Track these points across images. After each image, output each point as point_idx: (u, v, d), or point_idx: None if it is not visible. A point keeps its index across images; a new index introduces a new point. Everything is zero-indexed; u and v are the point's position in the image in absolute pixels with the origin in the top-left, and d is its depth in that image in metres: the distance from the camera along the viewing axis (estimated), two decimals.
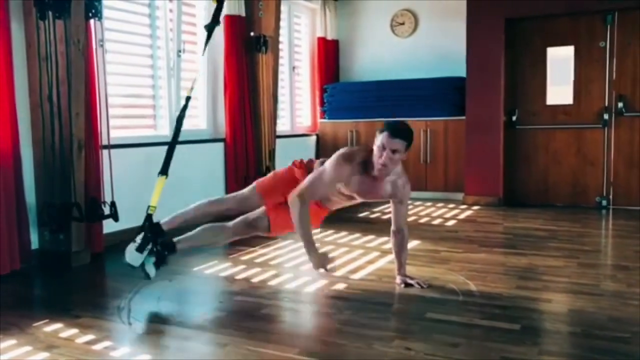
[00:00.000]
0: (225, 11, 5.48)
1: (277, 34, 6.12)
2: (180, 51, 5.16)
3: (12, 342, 2.49)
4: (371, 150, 3.02)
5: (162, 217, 4.74)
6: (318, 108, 7.37)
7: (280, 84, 6.48)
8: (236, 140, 5.58)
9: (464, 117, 6.33)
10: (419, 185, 6.73)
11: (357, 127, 7.01)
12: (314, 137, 7.31)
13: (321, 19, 7.24)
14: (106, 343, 2.49)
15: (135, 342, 2.53)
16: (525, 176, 6.29)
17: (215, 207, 3.49)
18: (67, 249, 3.83)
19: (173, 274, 3.59)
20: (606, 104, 5.90)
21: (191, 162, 5.24)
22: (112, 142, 4.16)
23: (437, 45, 6.93)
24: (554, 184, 6.17)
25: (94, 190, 4.01)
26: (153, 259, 3.20)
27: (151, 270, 3.19)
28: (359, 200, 3.26)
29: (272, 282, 3.37)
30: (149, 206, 3.21)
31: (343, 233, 4.62)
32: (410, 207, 6.06)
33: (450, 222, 5.28)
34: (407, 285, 3.20)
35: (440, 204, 6.25)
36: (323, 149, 7.21)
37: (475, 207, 6.04)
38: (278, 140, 6.19)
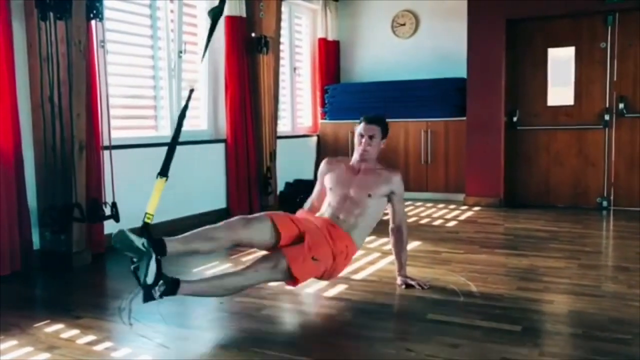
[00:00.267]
0: (226, 12, 5.48)
1: (278, 35, 6.13)
2: (181, 52, 5.16)
3: (13, 342, 2.49)
4: (349, 158, 3.34)
5: (140, 222, 4.73)
6: (319, 109, 7.37)
7: (281, 84, 6.49)
8: (237, 141, 5.58)
9: (464, 118, 6.33)
10: (419, 186, 6.74)
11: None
12: (314, 138, 7.31)
13: (322, 20, 7.24)
14: (107, 344, 2.49)
15: (135, 342, 2.53)
16: (526, 177, 6.28)
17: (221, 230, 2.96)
18: (68, 249, 3.83)
19: (174, 274, 3.59)
20: (607, 105, 5.90)
21: (192, 163, 5.24)
22: (113, 143, 4.16)
23: (438, 46, 6.93)
24: (554, 185, 6.17)
25: (95, 191, 4.01)
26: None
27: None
28: (352, 195, 3.16)
29: (273, 283, 3.36)
30: (145, 214, 2.66)
31: None
32: (410, 207, 6.07)
33: (451, 223, 5.28)
34: (408, 286, 3.20)
35: (441, 205, 6.25)
36: (324, 149, 7.21)
37: (476, 208, 6.04)
38: (279, 141, 6.20)
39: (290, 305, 3.01)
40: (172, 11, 5.11)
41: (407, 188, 6.66)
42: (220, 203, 5.60)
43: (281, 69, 6.44)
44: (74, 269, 3.79)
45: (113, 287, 3.57)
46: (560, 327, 2.66)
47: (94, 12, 3.91)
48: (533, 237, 4.61)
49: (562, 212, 5.79)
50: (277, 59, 6.12)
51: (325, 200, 3.28)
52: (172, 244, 2.69)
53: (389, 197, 3.23)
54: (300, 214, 3.26)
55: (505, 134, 6.15)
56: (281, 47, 6.40)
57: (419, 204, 6.35)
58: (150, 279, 2.49)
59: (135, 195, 4.54)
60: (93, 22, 3.96)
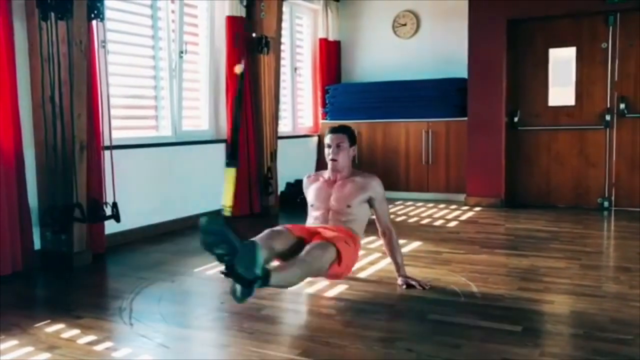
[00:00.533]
0: (226, 12, 5.49)
1: (279, 35, 6.13)
2: (182, 52, 5.17)
3: (14, 342, 2.49)
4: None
5: (146, 221, 4.73)
6: (320, 109, 7.37)
7: (282, 84, 6.49)
8: (238, 141, 5.57)
9: (465, 118, 6.33)
10: (420, 186, 6.74)
11: (359, 128, 6.99)
12: (315, 138, 7.31)
13: (323, 20, 7.24)
14: (107, 344, 2.49)
15: (136, 342, 2.53)
16: (527, 177, 6.28)
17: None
18: (69, 249, 3.84)
19: (175, 274, 3.60)
20: (608, 105, 5.89)
21: (193, 163, 5.25)
22: (114, 143, 4.17)
23: (439, 46, 6.93)
24: (555, 185, 6.16)
25: (95, 191, 4.01)
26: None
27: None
28: (332, 208, 3.27)
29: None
30: (222, 207, 2.46)
31: None
32: (411, 208, 6.07)
33: (452, 224, 5.28)
34: (409, 286, 3.20)
35: (441, 205, 6.25)
36: (324, 149, 7.19)
37: (477, 208, 6.03)
38: (280, 141, 6.20)
39: (290, 306, 3.01)
40: (173, 11, 5.11)
41: (408, 188, 6.75)
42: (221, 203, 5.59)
43: (282, 69, 6.44)
44: (74, 269, 3.79)
45: (113, 287, 3.57)
46: (561, 327, 2.66)
47: (95, 12, 3.91)
48: (534, 237, 4.60)
49: (563, 212, 5.78)
50: (278, 59, 6.12)
51: (309, 217, 3.37)
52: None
53: (370, 203, 3.28)
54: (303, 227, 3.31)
55: (506, 134, 6.15)
56: (282, 47, 6.40)
57: (419, 204, 6.35)
58: (259, 271, 2.46)
59: (136, 196, 4.56)
60: (94, 22, 3.97)
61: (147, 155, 4.74)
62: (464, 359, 2.28)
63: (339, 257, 2.98)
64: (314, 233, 3.14)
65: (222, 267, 2.45)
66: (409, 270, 3.34)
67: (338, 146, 3.29)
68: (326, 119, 7.25)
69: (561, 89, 6.12)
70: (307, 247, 2.94)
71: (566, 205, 6.08)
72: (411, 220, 5.43)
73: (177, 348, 2.48)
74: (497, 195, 6.17)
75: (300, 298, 3.12)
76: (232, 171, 2.50)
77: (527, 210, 5.93)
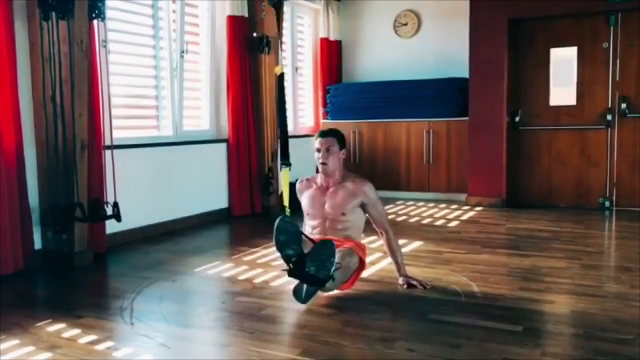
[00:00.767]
0: (227, 11, 5.49)
1: (280, 35, 6.12)
2: (183, 52, 5.17)
3: (15, 341, 2.50)
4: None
5: (147, 221, 4.72)
6: (321, 109, 7.37)
7: None
8: (239, 141, 5.58)
9: (466, 118, 6.33)
10: (421, 186, 6.74)
11: (360, 127, 7.01)
12: None
13: (324, 20, 7.24)
14: (108, 343, 2.49)
15: (137, 342, 2.53)
16: (528, 177, 6.28)
17: None
18: (70, 249, 3.84)
19: (176, 274, 3.60)
20: (609, 105, 5.89)
21: (194, 163, 5.25)
22: (115, 143, 4.17)
23: (440, 46, 6.92)
24: (557, 185, 6.16)
25: (96, 191, 4.01)
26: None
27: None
28: (327, 217, 3.25)
29: (274, 283, 3.37)
30: (283, 207, 2.78)
31: None
32: (412, 207, 6.07)
33: (453, 223, 5.28)
34: (410, 286, 3.20)
35: (442, 205, 6.25)
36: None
37: (478, 208, 6.03)
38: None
39: (291, 305, 3.01)
40: (174, 11, 5.11)
41: (409, 188, 6.74)
42: (222, 203, 5.60)
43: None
44: (75, 269, 3.80)
45: (114, 286, 3.58)
46: (562, 327, 2.66)
47: (96, 12, 3.91)
48: (535, 237, 4.60)
49: (564, 212, 5.78)
50: (278, 58, 6.11)
51: (306, 225, 3.35)
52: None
53: (362, 208, 3.27)
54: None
55: (508, 134, 6.15)
56: (283, 46, 6.40)
57: (420, 204, 6.35)
58: (333, 268, 2.63)
59: (137, 195, 4.56)
60: (95, 22, 3.97)
61: (148, 155, 4.74)
62: (465, 359, 2.27)
63: (361, 263, 3.12)
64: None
65: (287, 268, 2.60)
66: (410, 270, 3.34)
67: (327, 150, 3.25)
68: (327, 119, 7.25)
69: (562, 89, 6.12)
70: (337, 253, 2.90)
71: (567, 205, 6.08)
72: (412, 220, 5.43)
73: (177, 347, 2.48)
74: (498, 195, 6.17)
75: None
76: (287, 172, 2.79)
77: (528, 210, 5.93)
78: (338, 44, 7.50)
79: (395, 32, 7.21)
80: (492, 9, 6.05)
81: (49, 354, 2.36)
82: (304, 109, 7.32)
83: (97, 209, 3.99)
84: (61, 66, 3.74)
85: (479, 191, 6.25)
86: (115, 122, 4.23)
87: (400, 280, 3.25)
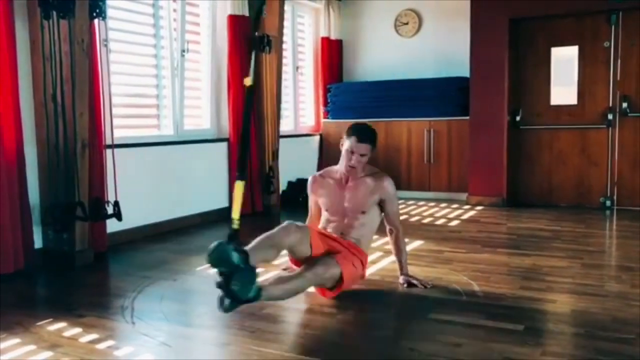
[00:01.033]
0: (228, 11, 5.48)
1: (281, 34, 6.13)
2: (184, 51, 5.17)
3: (16, 340, 2.50)
4: (335, 169, 3.28)
5: (147, 220, 4.71)
6: (321, 108, 7.37)
7: (283, 83, 6.48)
8: (240, 140, 5.58)
9: (467, 117, 6.32)
10: (422, 185, 6.74)
11: None
12: (317, 137, 7.31)
13: (325, 19, 7.24)
14: (109, 342, 2.49)
15: (138, 341, 2.53)
16: (529, 176, 6.27)
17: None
18: (70, 248, 3.84)
19: (177, 273, 3.60)
20: (610, 104, 5.88)
21: (195, 162, 5.25)
22: (115, 142, 4.17)
23: (441, 45, 6.92)
24: (557, 184, 6.16)
25: (97, 190, 4.01)
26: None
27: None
28: (347, 213, 3.19)
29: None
30: (232, 219, 2.58)
31: None
32: (413, 207, 6.07)
33: (454, 223, 5.27)
34: (410, 285, 3.20)
35: (443, 204, 6.24)
36: (326, 149, 7.21)
37: (479, 208, 6.03)
38: (281, 140, 6.20)
39: (291, 305, 3.01)
40: (174, 10, 5.11)
41: (410, 187, 6.74)
42: (223, 202, 5.60)
43: (284, 68, 6.44)
44: (76, 268, 3.80)
45: (115, 285, 3.58)
46: (563, 326, 2.65)
47: (97, 11, 3.91)
48: (536, 236, 4.60)
49: (565, 211, 5.78)
50: (279, 58, 6.12)
51: (322, 219, 3.30)
52: (252, 258, 2.61)
53: (380, 203, 3.23)
54: (316, 229, 3.19)
55: (508, 133, 6.14)
56: (284, 46, 6.40)
57: (421, 203, 6.34)
58: (252, 294, 2.52)
59: (138, 194, 4.57)
60: (96, 21, 3.97)
61: (149, 154, 4.74)
62: (466, 358, 2.27)
63: (341, 279, 2.92)
64: (329, 242, 3.06)
65: (218, 279, 2.48)
66: (411, 269, 3.34)
67: (362, 155, 3.12)
68: (328, 118, 7.25)
69: (563, 88, 6.11)
70: (313, 263, 2.88)
71: (568, 204, 6.07)
72: (413, 219, 5.43)
73: (178, 346, 2.48)
74: (499, 194, 6.16)
75: (302, 297, 3.11)
76: (241, 185, 2.57)
77: (529, 209, 5.93)
78: (339, 43, 7.50)
79: (396, 31, 7.21)
80: (493, 8, 6.05)
81: (50, 353, 2.37)
82: (304, 108, 7.32)
83: (98, 208, 3.99)
84: (62, 65, 3.74)
85: (479, 190, 6.24)
86: (116, 121, 4.23)
87: (401, 280, 3.25)
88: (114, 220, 4.07)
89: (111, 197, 4.08)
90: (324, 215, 3.30)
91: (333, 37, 7.35)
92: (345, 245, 3.11)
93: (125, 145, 4.44)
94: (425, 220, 5.37)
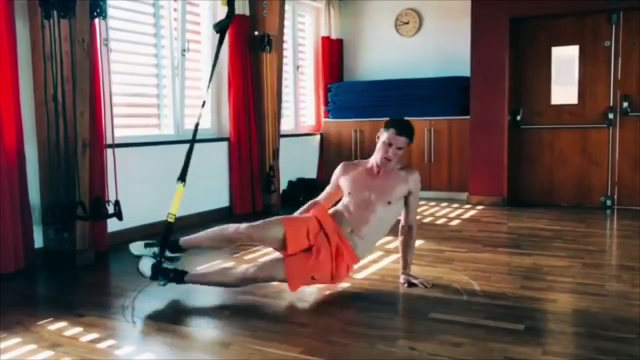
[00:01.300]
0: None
1: (282, 33, 6.12)
2: (184, 50, 5.17)
3: (16, 340, 2.50)
4: (368, 160, 3.28)
5: (148, 219, 4.72)
6: (322, 107, 7.37)
7: (284, 83, 6.48)
8: (240, 139, 5.58)
9: (468, 117, 6.32)
10: (422, 185, 6.58)
11: (361, 126, 7.00)
12: (317, 137, 7.31)
13: (325, 18, 7.24)
14: (110, 342, 2.49)
15: (139, 340, 2.54)
16: (529, 176, 6.27)
17: (234, 234, 3.16)
18: (71, 247, 3.84)
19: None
20: (611, 103, 5.88)
21: (195, 162, 5.22)
22: (116, 141, 4.17)
23: (442, 45, 6.92)
24: (558, 183, 6.15)
25: (98, 189, 4.02)
26: (153, 261, 3.08)
27: (146, 270, 3.07)
28: (372, 201, 3.14)
29: (276, 283, 3.36)
30: (168, 213, 3.08)
31: None
32: None
33: (454, 222, 5.27)
34: (411, 284, 3.20)
35: (444, 204, 6.25)
36: (327, 148, 7.22)
37: (480, 207, 6.03)
38: (282, 140, 6.20)
39: (293, 304, 3.01)
40: (175, 10, 5.11)
41: None
42: (223, 201, 5.60)
43: (284, 68, 6.44)
44: (77, 267, 3.80)
45: (116, 285, 3.58)
46: (564, 326, 2.66)
47: (98, 10, 3.91)
48: (536, 236, 4.60)
49: (565, 211, 5.78)
50: (280, 57, 6.12)
51: (341, 202, 3.24)
52: (188, 243, 3.25)
53: (406, 197, 3.21)
54: (315, 212, 3.17)
55: (509, 132, 6.14)
56: (284, 45, 6.40)
57: (422, 202, 6.34)
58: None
59: (139, 194, 4.56)
60: (96, 20, 3.97)
61: (150, 153, 4.74)
62: (466, 358, 2.27)
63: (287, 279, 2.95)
64: (306, 249, 3.00)
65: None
66: (411, 269, 3.33)
67: (398, 148, 3.11)
68: (328, 118, 7.25)
69: (564, 88, 6.11)
70: (262, 263, 3.10)
71: (569, 203, 6.07)
72: None
73: (179, 346, 2.48)
74: (499, 193, 6.16)
75: (302, 296, 3.11)
76: (182, 188, 3.11)
77: (530, 208, 5.93)
78: (339, 43, 7.50)
79: (397, 30, 7.21)
80: (493, 7, 6.04)
81: (50, 353, 2.37)
82: (305, 107, 7.32)
83: (99, 207, 3.99)
84: (62, 64, 3.74)
85: (480, 190, 6.24)
86: (116, 121, 4.23)
87: (402, 279, 3.24)
88: (114, 219, 4.07)
89: (112, 197, 4.08)
90: (345, 199, 3.23)
91: (334, 36, 7.35)
92: (334, 246, 3.02)
93: (126, 145, 4.44)
94: (426, 220, 5.37)
